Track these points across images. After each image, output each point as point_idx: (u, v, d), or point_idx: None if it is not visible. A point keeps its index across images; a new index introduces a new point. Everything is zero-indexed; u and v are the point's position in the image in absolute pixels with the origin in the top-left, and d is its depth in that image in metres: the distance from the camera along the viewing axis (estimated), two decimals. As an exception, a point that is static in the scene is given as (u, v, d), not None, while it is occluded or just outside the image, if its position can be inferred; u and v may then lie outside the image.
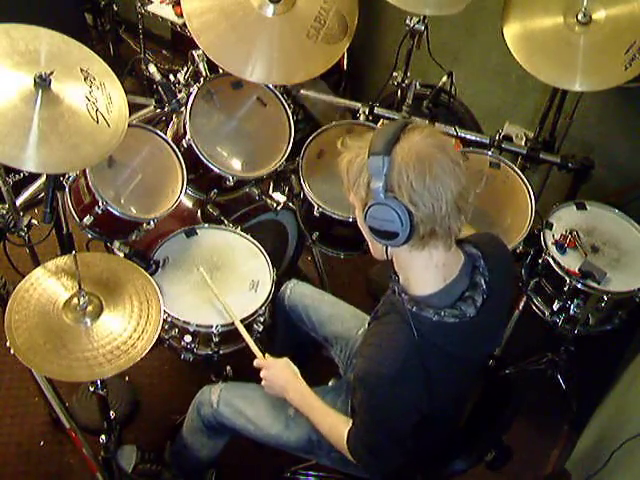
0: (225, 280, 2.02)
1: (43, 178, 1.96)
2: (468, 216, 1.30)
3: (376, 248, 1.40)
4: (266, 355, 1.77)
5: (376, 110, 2.47)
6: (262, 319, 1.96)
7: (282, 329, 2.14)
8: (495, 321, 1.48)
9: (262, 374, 1.72)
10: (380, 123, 2.44)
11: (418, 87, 2.52)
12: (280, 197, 2.22)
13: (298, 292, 2.06)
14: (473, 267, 1.39)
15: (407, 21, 2.35)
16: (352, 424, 1.52)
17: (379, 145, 1.23)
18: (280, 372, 1.71)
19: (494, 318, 1.45)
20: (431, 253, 1.31)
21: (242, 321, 1.89)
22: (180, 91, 2.09)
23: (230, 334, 1.92)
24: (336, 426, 1.58)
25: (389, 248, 1.33)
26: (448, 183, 1.22)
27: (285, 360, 1.74)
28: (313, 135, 2.32)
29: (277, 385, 1.71)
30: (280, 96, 2.24)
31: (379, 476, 1.61)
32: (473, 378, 1.63)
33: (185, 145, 2.04)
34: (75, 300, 1.62)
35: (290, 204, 2.28)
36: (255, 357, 1.77)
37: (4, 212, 1.81)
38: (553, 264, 2.09)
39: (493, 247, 1.48)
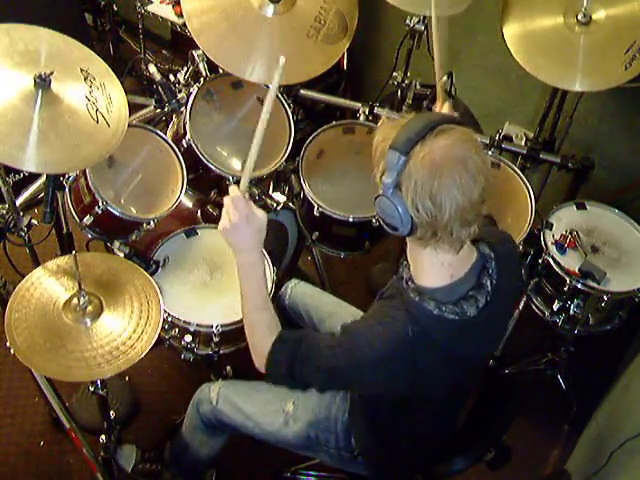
0: (225, 280, 2.02)
1: (43, 178, 1.96)
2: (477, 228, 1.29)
3: None
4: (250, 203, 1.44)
5: (376, 110, 2.47)
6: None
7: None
8: (495, 324, 1.47)
9: (233, 208, 1.40)
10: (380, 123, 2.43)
11: (418, 87, 2.53)
12: (280, 197, 2.22)
13: (299, 291, 2.06)
14: (482, 267, 1.38)
15: (407, 21, 2.36)
16: (301, 335, 1.44)
17: (401, 141, 1.22)
18: (254, 225, 1.42)
19: (495, 321, 1.44)
20: (436, 251, 1.31)
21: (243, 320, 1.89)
22: (180, 91, 2.09)
23: (230, 334, 1.92)
24: (268, 324, 1.48)
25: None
26: (455, 196, 1.20)
27: (265, 220, 1.44)
28: (313, 135, 2.33)
29: (239, 235, 1.42)
30: (280, 96, 2.24)
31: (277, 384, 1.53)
32: (469, 377, 1.60)
33: (185, 145, 2.04)
34: (75, 300, 1.62)
35: (290, 204, 2.28)
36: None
37: (4, 212, 1.81)
38: (553, 264, 2.09)
39: (506, 249, 1.46)
